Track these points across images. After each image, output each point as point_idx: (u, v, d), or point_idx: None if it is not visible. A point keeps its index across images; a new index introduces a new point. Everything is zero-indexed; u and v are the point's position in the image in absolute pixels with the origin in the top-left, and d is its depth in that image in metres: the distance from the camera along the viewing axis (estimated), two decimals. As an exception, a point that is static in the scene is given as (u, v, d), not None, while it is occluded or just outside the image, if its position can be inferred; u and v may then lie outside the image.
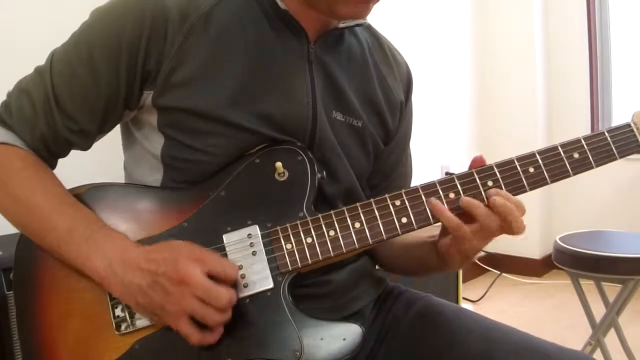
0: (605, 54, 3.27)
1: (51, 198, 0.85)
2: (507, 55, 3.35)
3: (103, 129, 0.90)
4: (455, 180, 0.86)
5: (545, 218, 3.33)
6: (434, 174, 3.03)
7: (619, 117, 3.30)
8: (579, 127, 3.29)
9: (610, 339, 2.07)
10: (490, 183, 0.85)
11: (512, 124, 3.37)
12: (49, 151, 0.89)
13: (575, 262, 2.00)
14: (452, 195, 0.85)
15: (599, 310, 2.07)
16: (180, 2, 0.84)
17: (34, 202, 0.84)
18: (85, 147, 0.91)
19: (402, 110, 1.04)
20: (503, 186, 0.85)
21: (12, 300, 1.27)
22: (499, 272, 3.29)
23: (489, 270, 3.37)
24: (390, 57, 1.04)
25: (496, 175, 0.85)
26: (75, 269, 0.83)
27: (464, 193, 0.85)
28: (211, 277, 0.78)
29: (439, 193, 0.85)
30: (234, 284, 0.81)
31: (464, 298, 2.80)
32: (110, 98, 0.85)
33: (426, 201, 0.84)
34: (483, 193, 0.85)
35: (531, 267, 3.31)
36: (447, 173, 3.07)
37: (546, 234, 3.32)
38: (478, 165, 0.86)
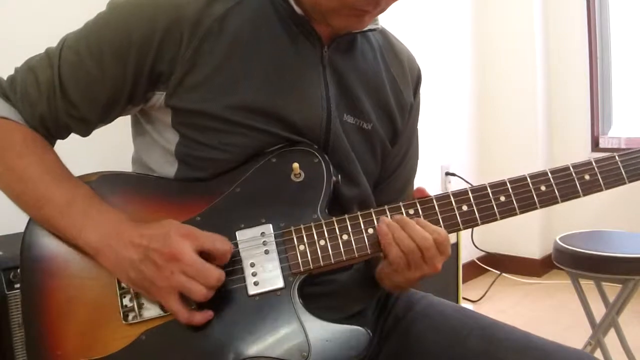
0: (605, 54, 3.27)
1: (50, 171, 0.86)
2: (507, 55, 3.35)
3: (104, 120, 0.90)
4: (469, 193, 0.87)
5: (545, 218, 3.33)
6: (434, 174, 3.03)
7: (619, 117, 3.30)
8: (578, 128, 3.30)
9: (610, 339, 2.07)
10: (502, 198, 0.86)
11: (512, 124, 3.37)
12: (48, 132, 0.89)
13: (575, 262, 2.00)
14: (464, 207, 0.86)
15: (599, 310, 2.07)
16: (196, 5, 0.84)
17: (32, 173, 0.85)
18: (85, 134, 0.92)
19: (410, 111, 1.04)
20: (515, 202, 0.86)
21: (12, 300, 1.27)
22: (499, 272, 3.29)
23: (489, 270, 3.37)
24: (402, 60, 1.04)
25: (509, 191, 0.87)
26: (83, 256, 0.84)
27: (476, 206, 0.86)
28: (204, 253, 0.79)
29: (452, 205, 0.86)
30: (236, 271, 0.82)
31: (464, 298, 2.80)
32: (114, 92, 0.86)
33: (377, 225, 0.85)
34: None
35: (531, 267, 3.31)
36: (447, 173, 3.07)
37: (546, 234, 3.32)
38: (419, 196, 0.88)
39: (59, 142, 0.93)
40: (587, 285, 2.06)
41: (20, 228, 0.89)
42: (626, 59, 3.23)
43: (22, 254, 0.86)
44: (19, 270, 0.88)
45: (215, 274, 0.79)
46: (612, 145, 3.25)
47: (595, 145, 3.28)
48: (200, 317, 0.80)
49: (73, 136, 0.93)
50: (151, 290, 0.80)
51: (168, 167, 0.90)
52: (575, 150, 3.28)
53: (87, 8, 0.91)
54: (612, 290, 2.02)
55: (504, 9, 3.33)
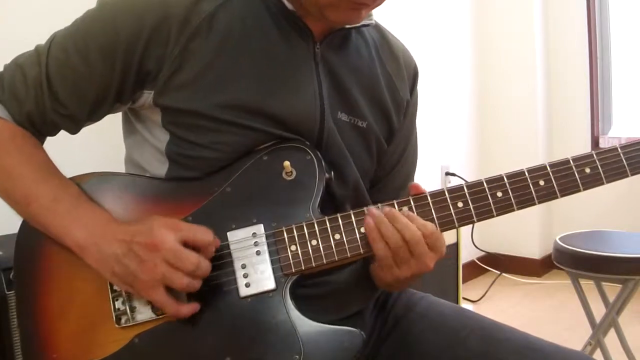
0: (605, 54, 3.27)
1: (38, 168, 0.86)
2: (507, 55, 3.35)
3: (92, 117, 0.90)
4: (465, 189, 0.84)
5: (545, 218, 3.33)
6: (434, 174, 3.03)
7: (619, 117, 3.30)
8: (578, 128, 3.30)
9: (610, 339, 2.07)
10: (499, 194, 0.83)
11: (512, 124, 3.37)
12: (36, 129, 0.89)
13: (575, 262, 2.00)
14: (460, 204, 0.84)
15: (599, 310, 2.07)
16: (184, 3, 0.83)
17: (20, 171, 0.85)
18: (73, 131, 0.92)
19: (407, 108, 1.03)
20: (512, 197, 0.84)
21: (12, 300, 1.27)
22: (499, 272, 3.29)
23: (489, 270, 3.37)
24: (398, 56, 1.03)
25: (506, 186, 0.84)
26: (76, 259, 0.83)
27: (472, 203, 0.83)
28: (187, 245, 0.78)
29: (447, 202, 0.84)
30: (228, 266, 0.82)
31: (464, 298, 2.80)
32: (101, 90, 0.85)
33: (364, 222, 0.83)
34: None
35: (531, 267, 3.31)
36: (447, 173, 3.07)
37: (546, 234, 3.32)
38: (414, 192, 0.85)
39: (55, 141, 0.93)
40: (587, 285, 2.06)
41: (20, 228, 0.88)
42: (626, 59, 3.23)
43: (15, 257, 0.86)
44: (12, 274, 0.88)
45: (193, 259, 0.78)
46: (612, 145, 3.24)
47: (595, 145, 3.28)
48: (187, 308, 0.79)
49: (69, 136, 0.93)
50: (136, 285, 0.79)
51: (159, 166, 0.89)
52: (575, 151, 3.22)
53: (87, 8, 0.90)
54: (612, 290, 2.02)
55: (504, 9, 3.33)
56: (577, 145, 3.28)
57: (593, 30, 3.21)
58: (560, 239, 2.12)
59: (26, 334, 0.85)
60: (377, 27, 1.02)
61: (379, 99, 0.97)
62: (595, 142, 3.29)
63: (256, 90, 0.86)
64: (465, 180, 2.92)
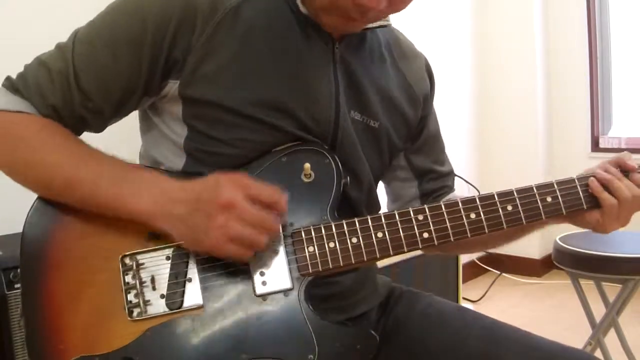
0: (605, 54, 3.27)
1: (71, 154, 0.84)
2: (507, 55, 3.35)
3: (119, 113, 0.89)
4: (477, 201, 0.87)
5: (545, 218, 3.33)
6: (434, 174, 3.02)
7: (619, 117, 3.30)
8: (578, 128, 3.30)
9: (610, 339, 2.07)
10: (509, 208, 0.87)
11: (512, 124, 3.37)
12: (62, 122, 0.87)
13: (575, 262, 2.00)
14: (472, 215, 0.86)
15: (599, 311, 2.07)
16: None
17: (54, 161, 0.83)
18: (99, 128, 0.90)
19: (425, 102, 1.04)
20: (521, 212, 0.87)
21: (12, 300, 1.27)
22: (499, 272, 3.29)
23: (489, 270, 3.37)
24: (409, 54, 1.04)
25: (515, 201, 0.87)
26: (88, 250, 0.83)
27: (484, 215, 0.86)
28: (254, 202, 0.78)
29: (461, 212, 0.86)
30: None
31: (464, 298, 2.80)
32: (129, 82, 0.84)
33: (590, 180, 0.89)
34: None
35: (531, 267, 3.31)
36: (447, 173, 3.07)
37: (546, 234, 3.28)
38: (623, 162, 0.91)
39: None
40: (587, 285, 2.06)
41: (20, 228, 0.88)
42: (626, 59, 3.23)
43: (22, 249, 0.85)
44: (19, 270, 0.87)
45: (277, 223, 0.79)
46: (612, 145, 3.25)
47: (595, 145, 3.28)
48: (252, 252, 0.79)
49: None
50: (204, 241, 0.78)
51: (176, 160, 0.89)
52: (575, 150, 3.28)
53: (87, 8, 0.90)
54: (612, 290, 2.02)
55: (504, 9, 3.33)
56: (577, 145, 3.28)
57: (593, 30, 3.21)
58: (560, 239, 2.12)
59: (32, 324, 0.84)
60: (390, 29, 1.03)
61: (392, 97, 0.98)
62: (595, 142, 3.29)
63: (276, 87, 0.86)
64: (464, 180, 2.93)
